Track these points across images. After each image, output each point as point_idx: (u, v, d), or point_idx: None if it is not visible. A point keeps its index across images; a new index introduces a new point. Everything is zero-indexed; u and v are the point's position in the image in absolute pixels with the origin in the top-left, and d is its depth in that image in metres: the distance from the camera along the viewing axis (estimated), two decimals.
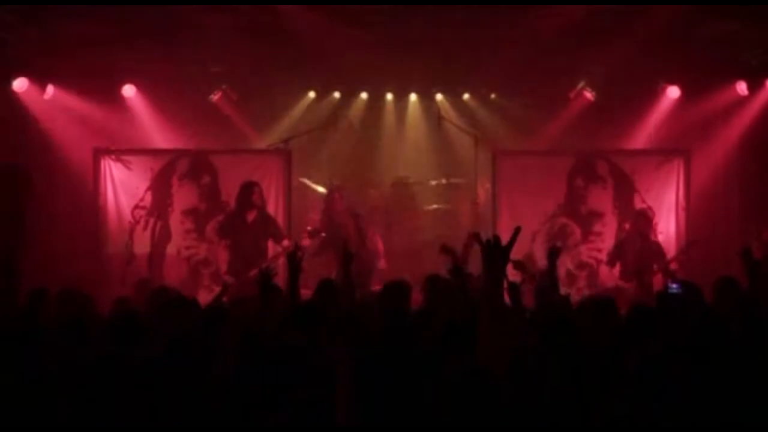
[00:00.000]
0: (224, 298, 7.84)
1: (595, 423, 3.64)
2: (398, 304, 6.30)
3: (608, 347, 5.13)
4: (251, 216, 10.83)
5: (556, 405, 3.83)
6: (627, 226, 11.35)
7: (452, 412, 3.56)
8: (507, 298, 6.23)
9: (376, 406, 4.02)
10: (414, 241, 12.06)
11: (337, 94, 12.27)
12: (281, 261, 10.00)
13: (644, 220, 11.08)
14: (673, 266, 10.65)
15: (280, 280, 8.25)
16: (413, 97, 12.45)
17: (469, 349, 4.17)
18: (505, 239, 4.15)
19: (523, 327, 5.06)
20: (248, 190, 10.81)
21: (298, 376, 4.39)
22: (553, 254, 6.19)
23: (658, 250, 10.92)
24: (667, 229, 11.46)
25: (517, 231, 3.99)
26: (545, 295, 6.13)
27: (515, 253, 12.05)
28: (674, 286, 6.50)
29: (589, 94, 11.80)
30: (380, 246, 11.11)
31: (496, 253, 3.84)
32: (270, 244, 10.77)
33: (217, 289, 9.02)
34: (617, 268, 11.04)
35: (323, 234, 10.83)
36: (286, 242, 10.50)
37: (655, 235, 11.25)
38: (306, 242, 10.16)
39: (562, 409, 3.76)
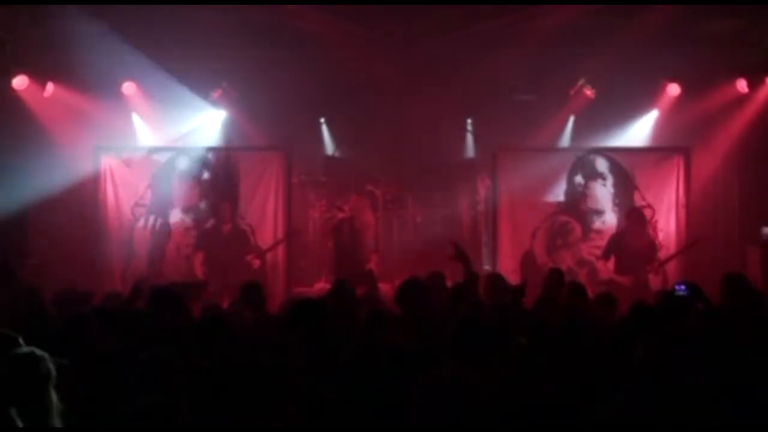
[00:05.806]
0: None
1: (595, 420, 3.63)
2: (415, 300, 6.36)
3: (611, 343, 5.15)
4: (226, 228, 11.17)
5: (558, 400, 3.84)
6: (624, 222, 11.40)
7: None
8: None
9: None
10: (414, 240, 12.03)
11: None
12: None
13: (638, 217, 11.16)
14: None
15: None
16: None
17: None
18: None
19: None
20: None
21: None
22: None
23: (650, 248, 11.00)
24: (667, 226, 11.47)
25: None
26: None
27: (515, 250, 11.95)
28: (681, 287, 6.45)
29: (589, 92, 11.77)
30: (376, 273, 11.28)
31: None
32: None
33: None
34: (612, 262, 11.12)
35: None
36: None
37: (655, 233, 11.30)
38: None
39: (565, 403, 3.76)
